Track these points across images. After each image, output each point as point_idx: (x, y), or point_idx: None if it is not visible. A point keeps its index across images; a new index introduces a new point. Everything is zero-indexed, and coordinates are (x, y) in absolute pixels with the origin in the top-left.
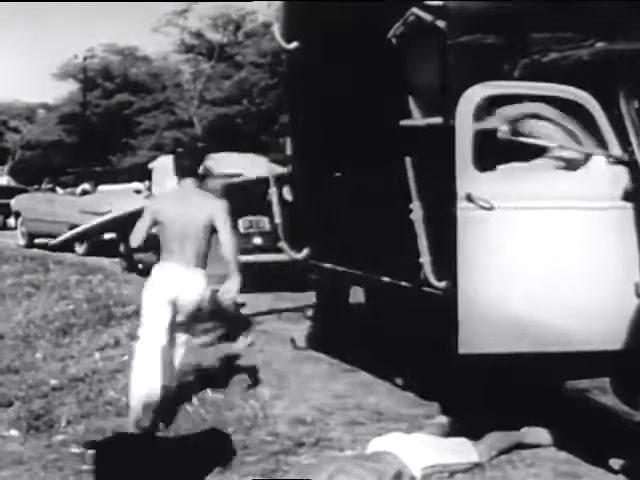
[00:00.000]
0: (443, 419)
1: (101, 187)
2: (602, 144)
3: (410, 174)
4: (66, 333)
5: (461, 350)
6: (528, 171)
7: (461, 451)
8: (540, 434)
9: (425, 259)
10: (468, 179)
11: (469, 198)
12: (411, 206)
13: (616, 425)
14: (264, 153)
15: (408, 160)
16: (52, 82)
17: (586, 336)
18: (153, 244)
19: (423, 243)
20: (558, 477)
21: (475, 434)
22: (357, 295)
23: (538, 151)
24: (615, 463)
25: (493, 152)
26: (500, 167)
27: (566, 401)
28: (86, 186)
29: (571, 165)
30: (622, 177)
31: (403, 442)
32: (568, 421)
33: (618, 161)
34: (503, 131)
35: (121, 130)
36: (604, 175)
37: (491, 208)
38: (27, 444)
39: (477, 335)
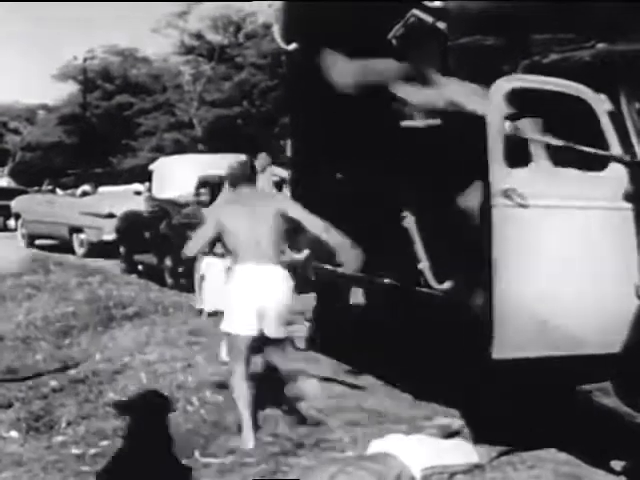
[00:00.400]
0: (442, 420)
1: (101, 189)
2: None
3: (399, 182)
4: (66, 334)
5: (495, 355)
6: (556, 170)
7: (461, 452)
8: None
9: (424, 265)
10: (501, 175)
11: (506, 194)
12: (403, 214)
13: (618, 427)
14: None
15: (395, 169)
16: (52, 83)
17: (609, 339)
18: (153, 244)
19: (420, 249)
20: (559, 478)
21: (476, 435)
22: (357, 296)
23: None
24: (617, 465)
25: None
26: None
27: (568, 402)
28: (86, 187)
29: None
30: (625, 178)
31: (403, 443)
32: (569, 422)
33: (621, 162)
34: (511, 128)
35: (121, 131)
36: (614, 176)
37: (527, 205)
38: (27, 445)
39: (512, 339)
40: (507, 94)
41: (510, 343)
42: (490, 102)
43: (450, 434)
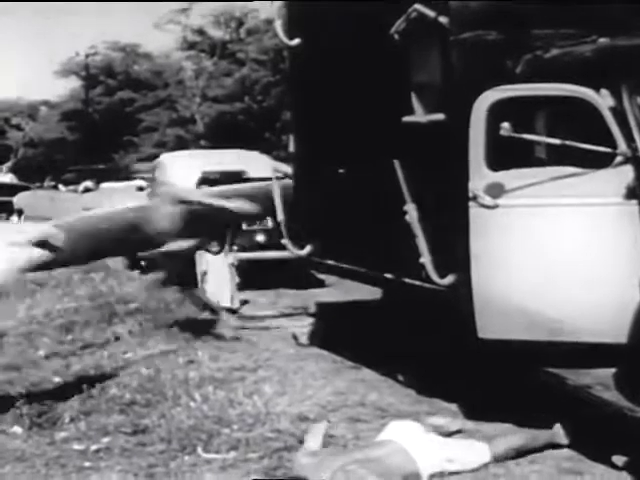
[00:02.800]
0: (439, 421)
1: (104, 184)
2: (612, 143)
3: (401, 176)
4: (69, 330)
5: (481, 334)
6: (538, 170)
7: (474, 452)
8: (555, 433)
9: (426, 259)
10: (480, 178)
11: (475, 197)
12: (405, 208)
13: (619, 421)
14: (266, 150)
15: (397, 163)
16: (54, 79)
17: (588, 328)
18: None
19: (422, 243)
20: (560, 474)
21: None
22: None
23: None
24: (618, 460)
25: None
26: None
27: (569, 397)
28: (88, 183)
29: None
30: (627, 174)
31: (418, 440)
32: (571, 417)
33: (625, 159)
34: (505, 128)
35: (123, 127)
36: (610, 173)
37: (495, 206)
38: (30, 441)
39: (495, 323)
40: (494, 104)
41: (493, 326)
42: (474, 112)
43: (448, 434)
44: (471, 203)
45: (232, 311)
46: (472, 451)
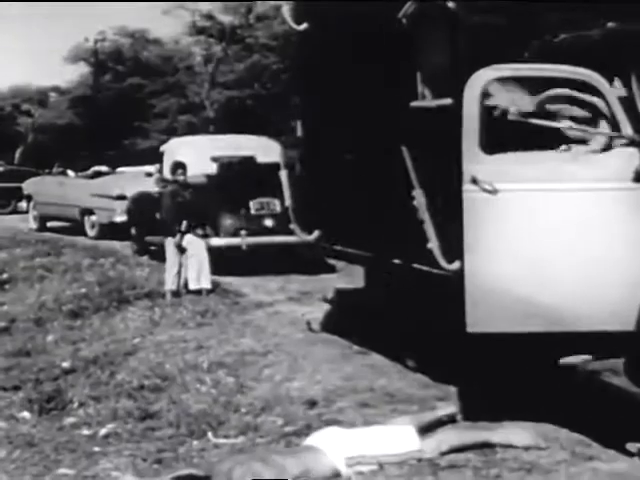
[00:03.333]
0: (422, 415)
1: (119, 169)
2: (614, 125)
3: (409, 161)
4: (78, 316)
5: (469, 329)
6: (535, 153)
7: (399, 441)
8: (515, 433)
9: (433, 244)
10: (475, 161)
11: (474, 181)
12: (413, 193)
13: (628, 407)
14: (276, 136)
15: (405, 149)
16: (63, 65)
17: (593, 316)
18: (163, 228)
19: (430, 229)
20: (573, 458)
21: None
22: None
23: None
24: (632, 447)
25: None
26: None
27: (578, 382)
28: (97, 168)
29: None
30: (633, 158)
31: (334, 436)
32: (580, 403)
33: (630, 142)
34: (513, 113)
35: (133, 113)
36: (613, 157)
37: (495, 191)
38: (39, 426)
39: (485, 314)
40: (488, 83)
41: (482, 318)
42: (468, 90)
43: (427, 427)
44: (467, 187)
45: (210, 291)
46: (398, 440)
